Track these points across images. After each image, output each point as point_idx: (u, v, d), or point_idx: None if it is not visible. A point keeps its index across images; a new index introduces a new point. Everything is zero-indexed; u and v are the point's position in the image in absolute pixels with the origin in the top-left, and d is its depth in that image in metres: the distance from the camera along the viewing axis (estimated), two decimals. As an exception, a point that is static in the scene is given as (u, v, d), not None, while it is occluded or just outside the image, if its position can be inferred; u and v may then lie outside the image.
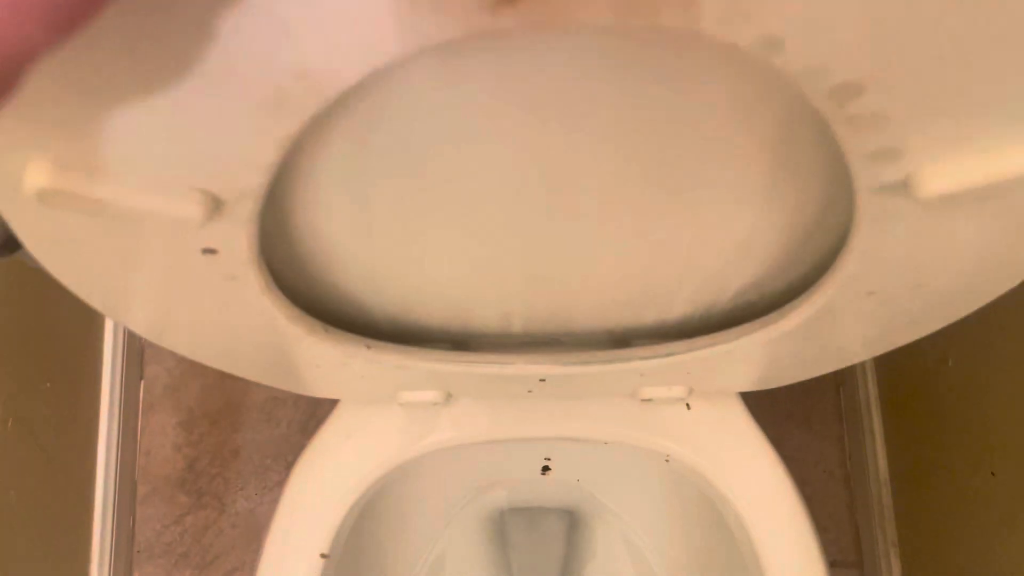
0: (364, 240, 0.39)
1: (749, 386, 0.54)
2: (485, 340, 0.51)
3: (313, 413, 1.04)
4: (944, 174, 0.26)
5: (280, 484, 1.02)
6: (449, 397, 0.54)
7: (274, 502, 1.01)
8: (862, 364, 0.99)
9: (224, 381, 1.04)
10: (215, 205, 0.27)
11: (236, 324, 0.39)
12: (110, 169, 0.25)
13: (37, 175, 0.25)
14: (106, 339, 0.97)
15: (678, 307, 0.47)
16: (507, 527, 0.83)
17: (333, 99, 0.23)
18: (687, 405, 0.58)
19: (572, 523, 0.83)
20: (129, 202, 0.26)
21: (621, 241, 0.40)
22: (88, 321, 0.95)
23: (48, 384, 0.86)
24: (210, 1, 0.19)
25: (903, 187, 0.28)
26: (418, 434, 0.58)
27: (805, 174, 0.33)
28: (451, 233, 0.40)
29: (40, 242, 0.31)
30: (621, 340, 0.52)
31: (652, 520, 0.73)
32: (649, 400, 0.55)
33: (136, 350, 1.03)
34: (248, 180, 0.26)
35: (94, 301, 0.36)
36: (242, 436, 1.03)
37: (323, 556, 0.57)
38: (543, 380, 0.51)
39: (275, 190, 0.33)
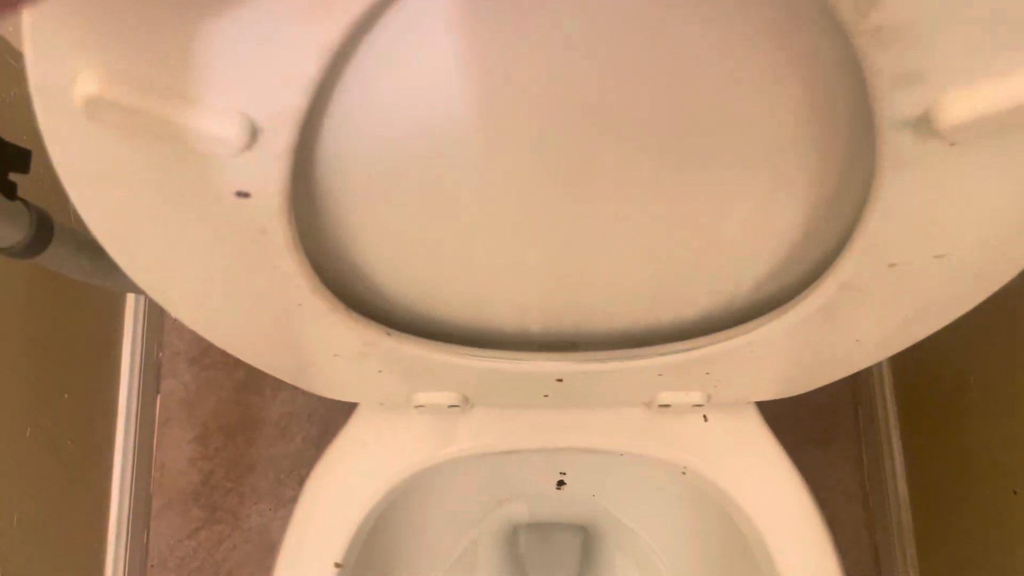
0: (386, 224, 0.40)
1: (768, 392, 0.54)
2: (501, 340, 0.51)
3: (327, 428, 1.04)
4: (965, 100, 0.27)
5: (294, 500, 1.02)
6: (465, 401, 0.54)
7: (288, 518, 1.01)
8: (880, 382, 0.98)
9: (240, 396, 1.04)
10: (253, 132, 0.27)
11: (259, 292, 0.39)
12: (156, 82, 0.26)
13: (87, 84, 0.25)
14: (124, 351, 0.98)
15: (697, 302, 0.47)
16: (521, 543, 0.82)
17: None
18: (704, 417, 0.58)
19: (587, 539, 0.82)
20: (172, 114, 0.26)
21: (639, 228, 0.40)
22: (107, 333, 0.96)
23: (66, 395, 0.87)
24: None
25: (925, 123, 0.28)
26: (434, 444, 0.58)
27: (828, 129, 0.33)
28: (471, 223, 0.40)
29: (78, 174, 0.31)
30: (638, 343, 0.52)
31: (668, 535, 0.72)
32: (667, 407, 0.55)
33: (153, 363, 1.03)
34: (287, 100, 0.27)
35: (122, 254, 0.36)
36: (257, 451, 1.03)
37: (337, 566, 0.57)
38: (560, 380, 0.51)
39: (303, 164, 0.34)
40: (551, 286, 0.46)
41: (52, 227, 0.46)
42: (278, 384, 1.04)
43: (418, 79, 0.31)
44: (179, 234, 0.35)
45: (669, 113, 0.33)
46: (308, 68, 0.26)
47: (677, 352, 0.49)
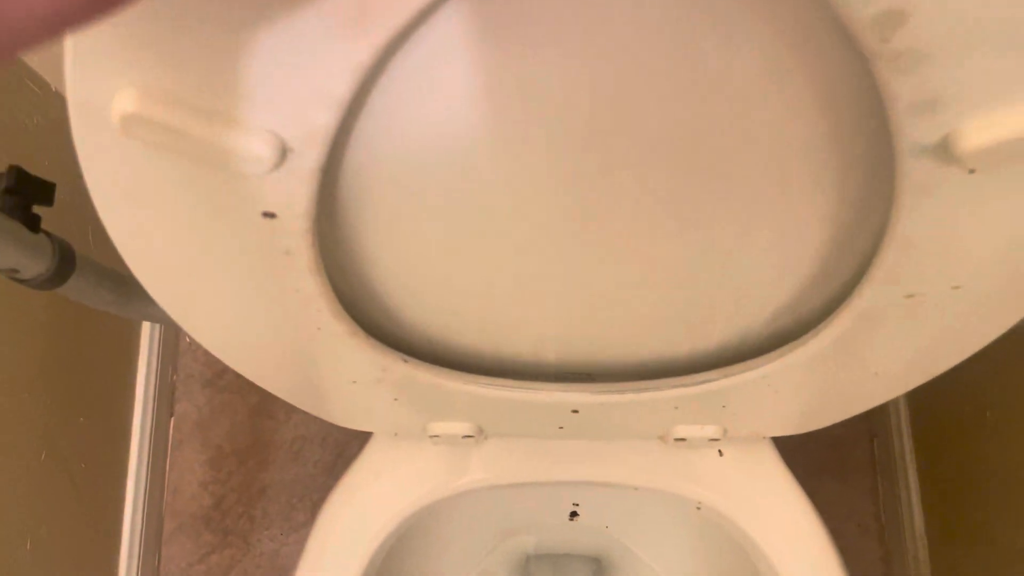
0: (406, 248, 0.40)
1: (784, 427, 0.54)
2: (517, 370, 0.51)
3: (341, 454, 1.04)
4: (985, 126, 0.27)
5: (305, 525, 1.02)
6: (480, 431, 0.54)
7: (299, 543, 1.01)
8: (896, 414, 0.97)
9: (253, 419, 1.05)
10: (282, 151, 0.28)
11: (280, 315, 0.40)
12: (190, 100, 0.26)
13: (125, 101, 0.26)
14: (139, 374, 0.99)
15: (713, 335, 0.47)
16: (533, 574, 0.82)
17: (412, 16, 0.24)
18: (720, 451, 0.58)
19: (599, 570, 0.81)
20: (204, 132, 0.27)
21: (657, 259, 0.41)
22: (123, 356, 0.97)
23: (82, 419, 0.87)
24: None
25: (944, 149, 0.28)
26: (448, 475, 0.58)
27: (847, 154, 0.33)
28: (490, 249, 0.40)
29: (109, 191, 0.31)
30: (654, 375, 0.52)
31: (681, 569, 0.71)
32: (682, 441, 0.55)
33: (168, 386, 1.04)
34: (317, 119, 0.27)
35: (146, 274, 0.37)
36: (269, 475, 1.03)
37: (349, 595, 0.57)
38: (576, 411, 0.51)
39: (326, 185, 0.34)
40: (569, 316, 0.46)
41: (74, 259, 0.47)
42: (291, 408, 1.04)
43: (441, 99, 0.31)
44: (203, 253, 0.35)
45: (686, 139, 0.33)
46: (339, 87, 0.26)
47: (693, 385, 0.48)
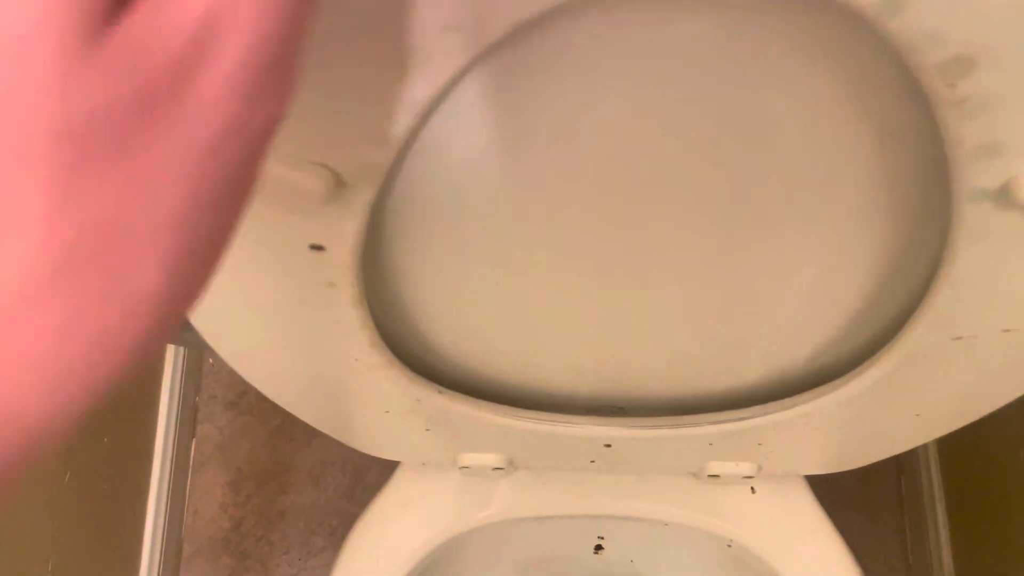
0: (444, 280, 0.40)
1: (820, 466, 0.53)
2: (548, 402, 0.50)
3: (360, 479, 1.03)
4: None
5: (324, 550, 1.01)
6: (510, 463, 0.54)
7: (317, 568, 1.00)
8: (925, 451, 0.95)
9: (273, 442, 1.04)
10: (336, 183, 0.28)
11: (317, 345, 0.40)
12: None
13: None
14: (163, 395, 0.99)
15: (751, 371, 0.47)
16: (555, 606, 0.80)
17: (475, 56, 0.24)
18: (752, 488, 0.57)
19: (622, 605, 0.80)
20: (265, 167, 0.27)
21: (698, 293, 0.40)
22: (147, 377, 0.97)
23: (105, 439, 0.87)
24: None
25: (1005, 194, 0.28)
26: (475, 506, 0.58)
27: (899, 189, 0.33)
28: (529, 284, 0.40)
29: None
30: (689, 410, 0.51)
31: (708, 606, 0.70)
32: (715, 477, 0.54)
33: (190, 407, 1.04)
34: (373, 155, 0.27)
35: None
36: (289, 499, 1.03)
37: (374, 626, 0.56)
38: (608, 446, 0.50)
39: (371, 218, 0.34)
40: (605, 349, 0.46)
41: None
42: (312, 432, 1.03)
43: (487, 137, 0.31)
44: (246, 282, 0.35)
45: (736, 177, 0.33)
46: (399, 124, 0.26)
47: (729, 422, 0.48)
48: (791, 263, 0.37)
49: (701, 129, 0.30)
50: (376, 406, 0.46)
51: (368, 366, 0.41)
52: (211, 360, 1.07)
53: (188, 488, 1.03)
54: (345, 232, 0.31)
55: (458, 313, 0.43)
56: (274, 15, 0.16)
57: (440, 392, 0.45)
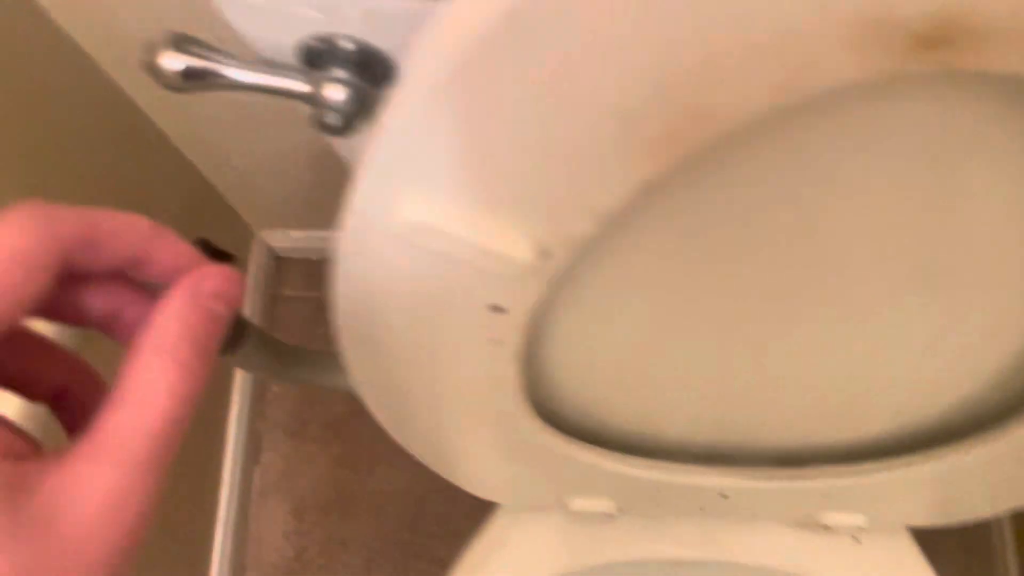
0: (588, 338, 0.41)
1: (931, 518, 0.53)
2: (658, 449, 0.50)
3: (422, 509, 1.03)
4: None
5: (385, 581, 1.01)
6: (619, 510, 0.54)
7: (379, 600, 1.00)
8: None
9: (336, 471, 1.05)
10: (541, 253, 0.28)
11: (461, 392, 0.40)
12: (470, 209, 0.27)
13: (414, 208, 0.27)
14: (230, 423, 1.00)
15: (875, 425, 0.47)
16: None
17: (717, 139, 0.24)
18: (856, 538, 0.57)
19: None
20: (479, 239, 0.28)
21: (844, 347, 0.40)
22: (215, 405, 0.98)
23: (178, 467, 0.88)
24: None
25: None
26: (575, 552, 0.58)
27: None
28: (669, 335, 0.41)
29: (356, 282, 0.32)
30: (796, 461, 0.51)
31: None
32: (825, 528, 0.54)
33: (255, 435, 1.04)
34: (582, 227, 0.28)
35: (358, 352, 0.37)
36: (350, 528, 1.03)
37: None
38: (725, 496, 0.50)
39: None
40: (733, 400, 0.46)
41: (246, 329, 0.47)
42: (374, 461, 1.04)
43: (689, 216, 0.32)
44: (417, 334, 0.36)
45: (919, 243, 0.33)
46: (615, 200, 0.26)
47: (849, 476, 0.48)
48: (949, 320, 0.37)
49: (899, 202, 0.31)
50: (501, 449, 0.47)
51: (508, 416, 0.42)
52: (275, 388, 1.08)
53: (252, 516, 1.03)
54: (530, 297, 0.32)
55: (590, 366, 0.43)
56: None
57: (569, 442, 0.46)
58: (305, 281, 1.11)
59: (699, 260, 0.35)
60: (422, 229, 0.27)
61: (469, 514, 1.01)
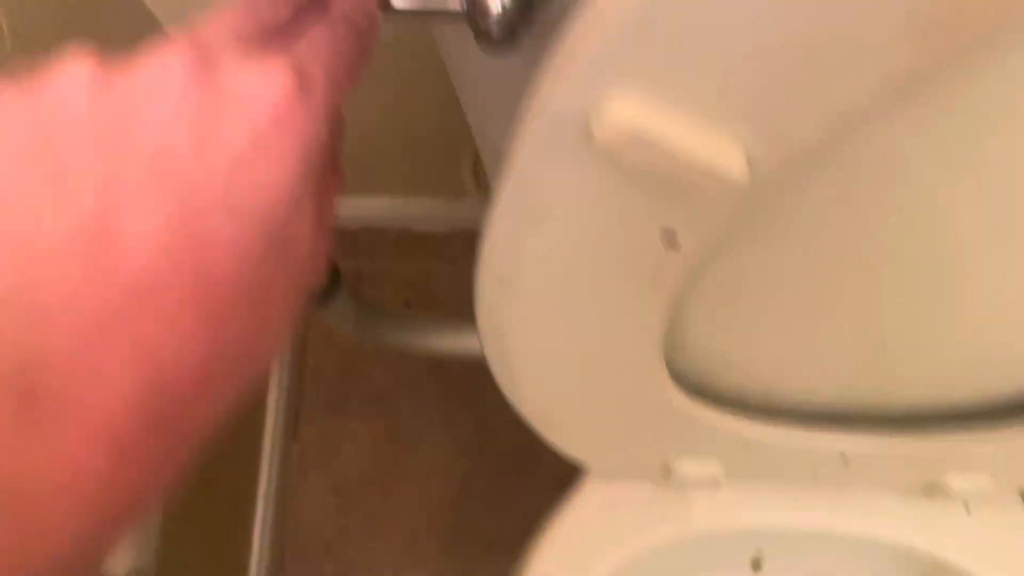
0: (722, 298, 0.38)
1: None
2: (781, 411, 0.48)
3: (466, 484, 1.00)
4: None
5: (427, 559, 0.98)
6: (724, 474, 0.51)
7: (424, 577, 0.97)
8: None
9: (377, 446, 1.02)
10: (752, 165, 0.25)
11: (609, 344, 0.37)
12: (697, 105, 0.23)
13: (623, 111, 0.23)
14: (270, 398, 0.97)
15: (1006, 383, 0.44)
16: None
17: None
18: (967, 508, 0.54)
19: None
20: (695, 148, 0.24)
21: (986, 298, 0.37)
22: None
23: (216, 444, 0.85)
24: None
25: None
26: (668, 522, 0.55)
27: None
28: (807, 301, 0.38)
29: (535, 203, 0.29)
30: (919, 423, 0.48)
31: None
32: (933, 496, 0.51)
33: (293, 411, 1.01)
34: (803, 133, 0.24)
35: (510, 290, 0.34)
36: (392, 506, 1.00)
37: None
38: (846, 461, 0.48)
39: None
40: (860, 362, 0.43)
41: (339, 279, 0.45)
42: (417, 436, 1.01)
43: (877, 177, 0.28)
44: (572, 272, 0.32)
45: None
46: (862, 99, 0.23)
47: (981, 435, 0.45)
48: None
49: None
50: (621, 404, 0.44)
51: (641, 367, 0.39)
52: (312, 362, 1.05)
53: (291, 494, 1.00)
54: (713, 228, 0.28)
55: (719, 325, 0.41)
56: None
57: (692, 400, 0.43)
58: (341, 251, 1.08)
59: (859, 203, 0.32)
60: (628, 135, 0.24)
61: (516, 492, 0.99)
